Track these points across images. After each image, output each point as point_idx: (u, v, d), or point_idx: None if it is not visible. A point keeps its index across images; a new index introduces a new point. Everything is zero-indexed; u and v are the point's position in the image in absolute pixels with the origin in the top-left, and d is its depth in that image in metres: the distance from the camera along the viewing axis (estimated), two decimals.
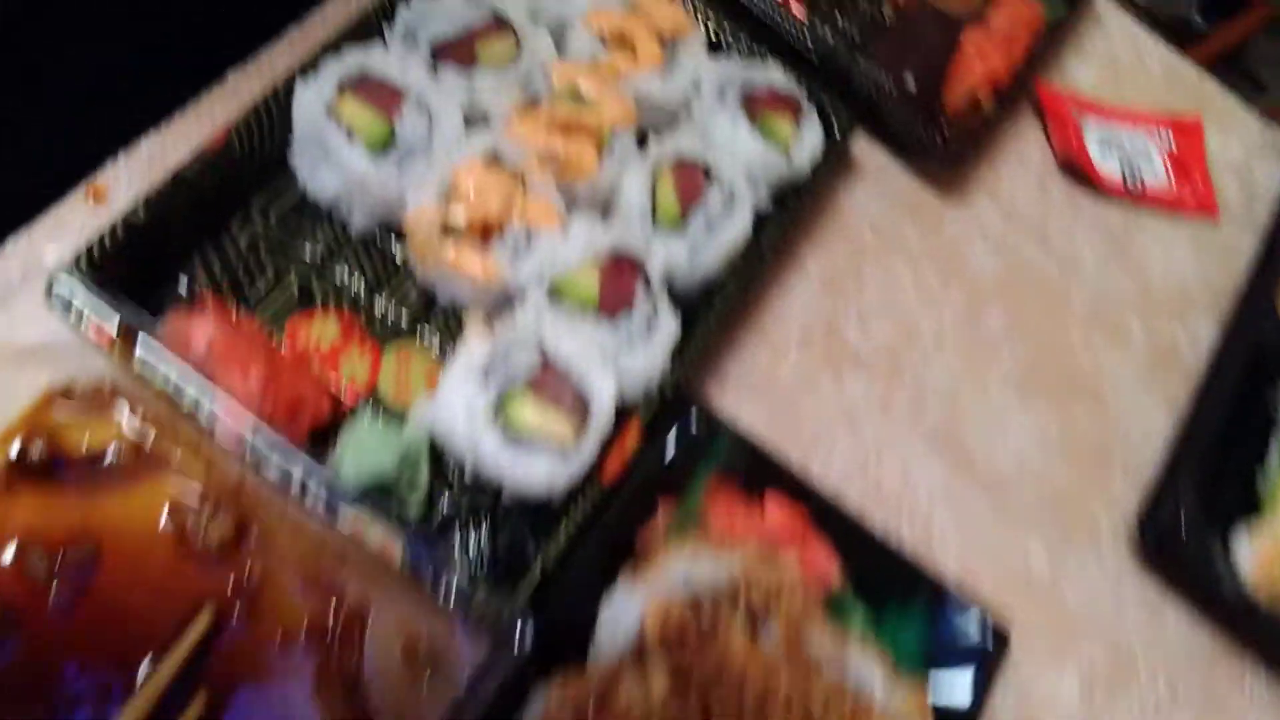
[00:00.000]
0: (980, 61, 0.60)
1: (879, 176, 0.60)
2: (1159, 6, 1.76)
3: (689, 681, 0.38)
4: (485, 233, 0.45)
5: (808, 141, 0.53)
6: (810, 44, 0.58)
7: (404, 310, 0.47)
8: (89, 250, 0.41)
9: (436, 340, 0.47)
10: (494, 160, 0.47)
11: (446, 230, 0.45)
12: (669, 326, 0.46)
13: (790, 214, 0.52)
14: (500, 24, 0.50)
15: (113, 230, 0.41)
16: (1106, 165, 0.65)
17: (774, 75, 0.54)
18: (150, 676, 0.38)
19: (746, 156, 0.51)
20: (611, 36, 0.51)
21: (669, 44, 0.53)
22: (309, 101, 0.45)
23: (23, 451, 0.40)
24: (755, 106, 0.52)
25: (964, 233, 0.60)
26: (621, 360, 0.44)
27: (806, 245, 0.56)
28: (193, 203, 0.44)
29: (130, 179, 0.46)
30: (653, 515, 0.44)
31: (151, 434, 0.41)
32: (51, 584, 0.39)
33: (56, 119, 0.49)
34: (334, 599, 0.40)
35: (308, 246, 0.47)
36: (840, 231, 0.57)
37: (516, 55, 0.49)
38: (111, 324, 0.39)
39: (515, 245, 0.45)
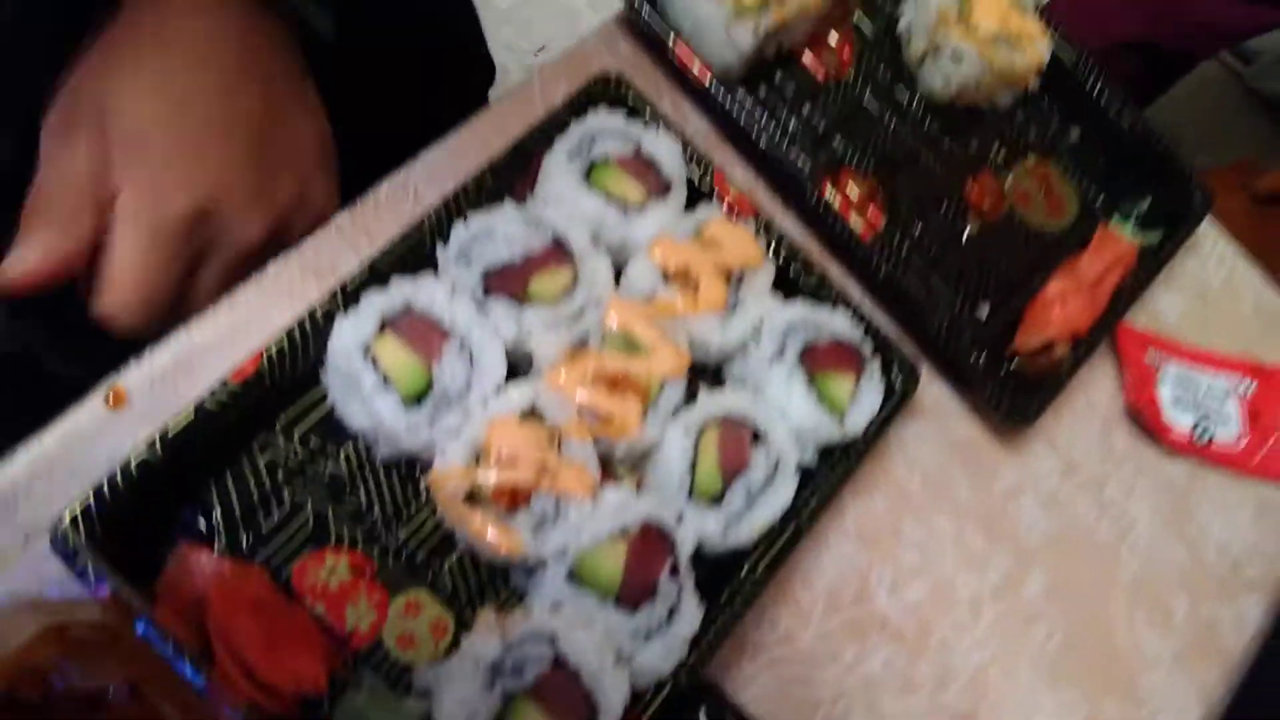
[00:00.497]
0: (1062, 309, 0.56)
1: (935, 413, 0.57)
2: (1263, 82, 1.69)
3: None
4: (513, 498, 0.43)
5: (866, 404, 0.50)
6: (881, 256, 0.55)
7: (421, 547, 0.45)
8: (98, 493, 0.39)
9: (449, 584, 0.45)
10: (531, 414, 0.44)
11: (473, 494, 0.42)
12: (691, 617, 0.44)
13: (837, 475, 0.49)
14: (559, 252, 0.47)
15: (125, 470, 0.39)
16: (1177, 416, 0.61)
17: (839, 324, 0.50)
18: None
19: (799, 419, 0.48)
20: (676, 271, 0.48)
21: (735, 279, 0.50)
22: (347, 336, 0.43)
23: (13, 690, 0.39)
24: (815, 362, 0.49)
25: (1016, 486, 0.57)
26: (637, 656, 0.42)
27: (849, 495, 0.53)
28: (214, 432, 0.42)
29: (153, 383, 0.44)
30: None
31: (146, 686, 0.40)
32: None
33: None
34: None
35: (329, 468, 0.45)
36: (886, 478, 0.55)
37: (571, 289, 0.47)
38: (108, 587, 0.38)
39: (543, 514, 0.43)
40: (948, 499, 0.56)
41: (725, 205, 0.52)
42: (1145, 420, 0.60)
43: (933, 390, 0.57)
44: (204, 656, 0.38)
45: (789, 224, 0.57)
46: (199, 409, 0.41)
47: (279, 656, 0.40)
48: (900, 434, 0.56)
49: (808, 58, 0.60)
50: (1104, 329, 0.59)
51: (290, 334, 0.43)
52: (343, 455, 0.45)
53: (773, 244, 0.52)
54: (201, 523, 0.42)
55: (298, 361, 0.43)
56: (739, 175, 0.57)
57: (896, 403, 0.51)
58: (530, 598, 0.43)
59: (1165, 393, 0.61)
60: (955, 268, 0.59)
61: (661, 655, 0.43)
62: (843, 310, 0.51)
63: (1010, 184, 0.62)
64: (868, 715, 0.50)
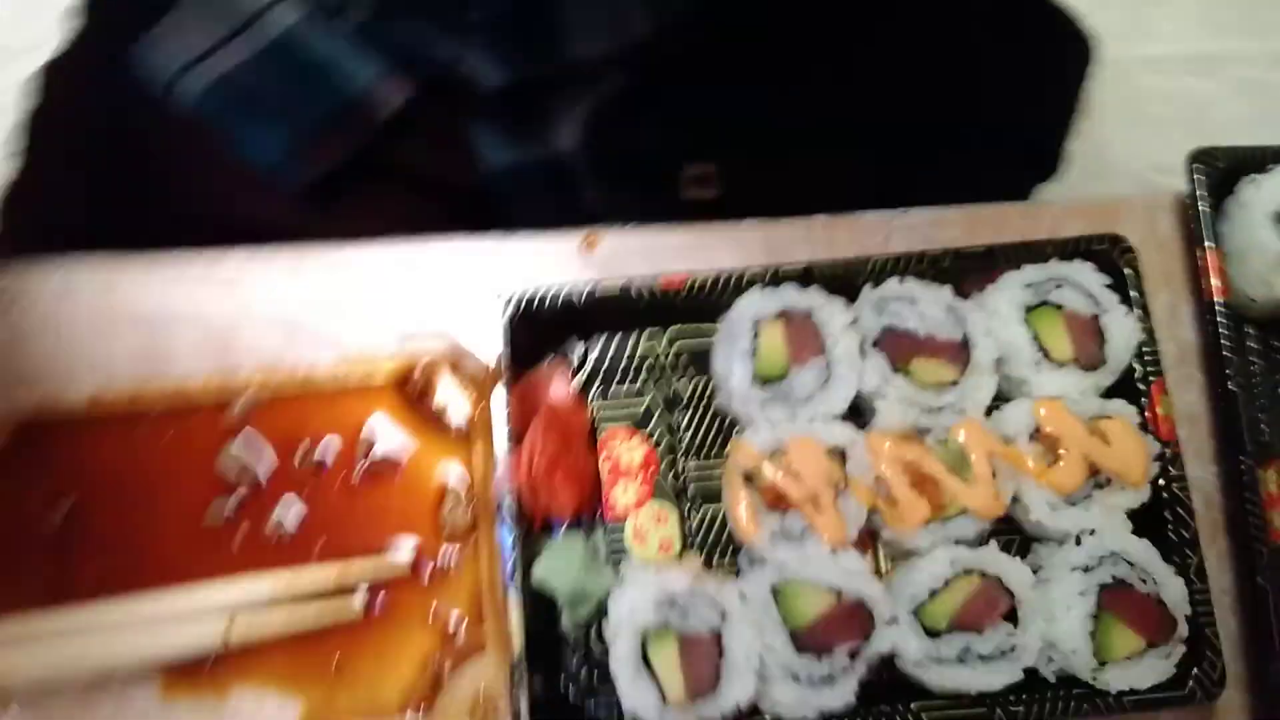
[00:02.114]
0: None
1: None
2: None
3: None
4: (775, 501, 0.48)
5: (1136, 674, 0.46)
6: None
7: (697, 482, 0.53)
8: (544, 296, 0.51)
9: (695, 523, 0.52)
10: (837, 454, 0.49)
11: (749, 477, 0.49)
12: (843, 694, 0.46)
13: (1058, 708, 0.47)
14: (960, 352, 0.50)
15: (574, 291, 0.51)
16: None
17: (1171, 590, 0.47)
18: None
19: (1060, 635, 0.47)
20: (1048, 435, 0.49)
21: (1101, 480, 0.48)
22: (753, 303, 0.50)
23: (407, 379, 0.54)
24: (1114, 602, 0.47)
25: None
26: (775, 686, 0.46)
27: None
28: (628, 307, 0.52)
29: (619, 244, 0.56)
30: None
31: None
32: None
33: None
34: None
35: (680, 384, 0.54)
36: None
37: (946, 388, 0.49)
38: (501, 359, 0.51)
39: (788, 529, 0.48)
40: None
41: (1144, 413, 0.50)
42: None
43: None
44: (515, 439, 0.50)
45: (1201, 468, 0.52)
46: (626, 289, 0.52)
47: (555, 476, 0.50)
48: None
49: None
50: None
51: (719, 277, 0.52)
52: (694, 382, 0.54)
53: (1164, 479, 0.49)
54: (577, 356, 0.54)
55: (710, 298, 0.52)
56: (1185, 400, 0.53)
57: (1172, 697, 0.47)
58: (739, 578, 0.49)
59: None
60: None
61: (794, 700, 0.46)
62: (1183, 580, 0.47)
63: None
64: None
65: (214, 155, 0.67)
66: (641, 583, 0.47)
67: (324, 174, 0.66)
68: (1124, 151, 1.81)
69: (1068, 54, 0.80)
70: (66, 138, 0.75)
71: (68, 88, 0.75)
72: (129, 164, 0.70)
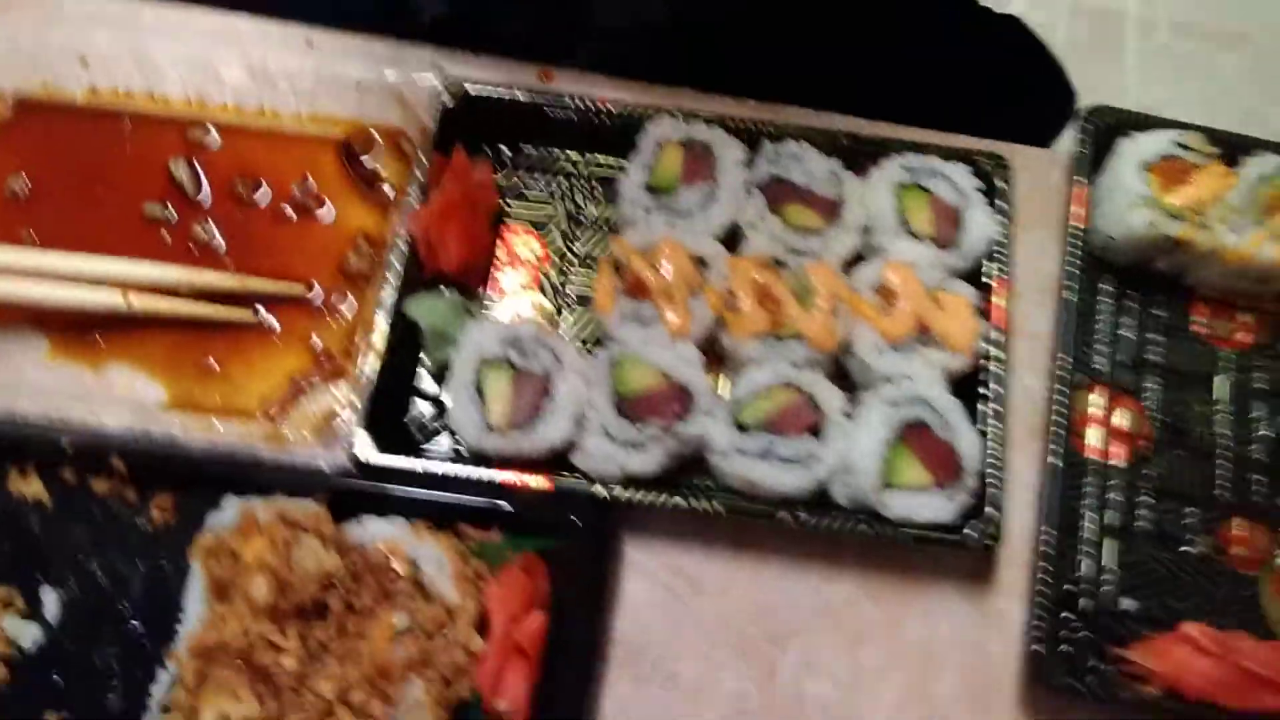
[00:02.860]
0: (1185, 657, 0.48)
1: (962, 592, 0.52)
2: None
3: None
4: (635, 291, 0.53)
5: (924, 509, 0.49)
6: (1098, 479, 0.52)
7: (578, 289, 0.57)
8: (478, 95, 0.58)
9: (565, 322, 0.57)
10: (699, 262, 0.53)
11: (618, 266, 0.54)
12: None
13: (835, 525, 0.50)
14: (832, 207, 0.55)
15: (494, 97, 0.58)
16: None
17: (967, 443, 0.50)
18: None
19: (858, 456, 0.50)
20: (890, 292, 0.53)
21: (929, 339, 0.53)
22: (655, 128, 0.56)
23: (352, 141, 0.61)
24: (915, 440, 0.50)
25: None
26: (590, 439, 0.50)
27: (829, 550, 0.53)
28: (550, 122, 0.58)
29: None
30: None
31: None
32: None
33: None
34: None
35: (584, 205, 0.59)
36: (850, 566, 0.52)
37: (812, 235, 0.54)
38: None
39: (636, 314, 0.52)
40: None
41: (984, 301, 0.54)
42: None
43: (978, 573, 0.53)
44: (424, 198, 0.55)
45: (1034, 378, 0.56)
46: (558, 100, 0.58)
47: (448, 229, 0.55)
48: (921, 594, 0.52)
49: (1200, 309, 0.58)
50: None
51: (642, 107, 0.58)
52: (600, 207, 0.59)
53: (986, 359, 0.53)
54: (505, 156, 0.60)
55: (634, 122, 0.58)
56: (1026, 314, 0.57)
57: (946, 538, 0.50)
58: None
59: None
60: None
61: (603, 455, 0.50)
62: (980, 439, 0.51)
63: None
64: None
65: None
66: (492, 322, 0.52)
67: None
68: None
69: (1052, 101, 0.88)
70: None
71: None
72: None
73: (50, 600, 0.51)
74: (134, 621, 0.50)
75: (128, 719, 0.48)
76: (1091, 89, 2.09)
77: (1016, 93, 0.87)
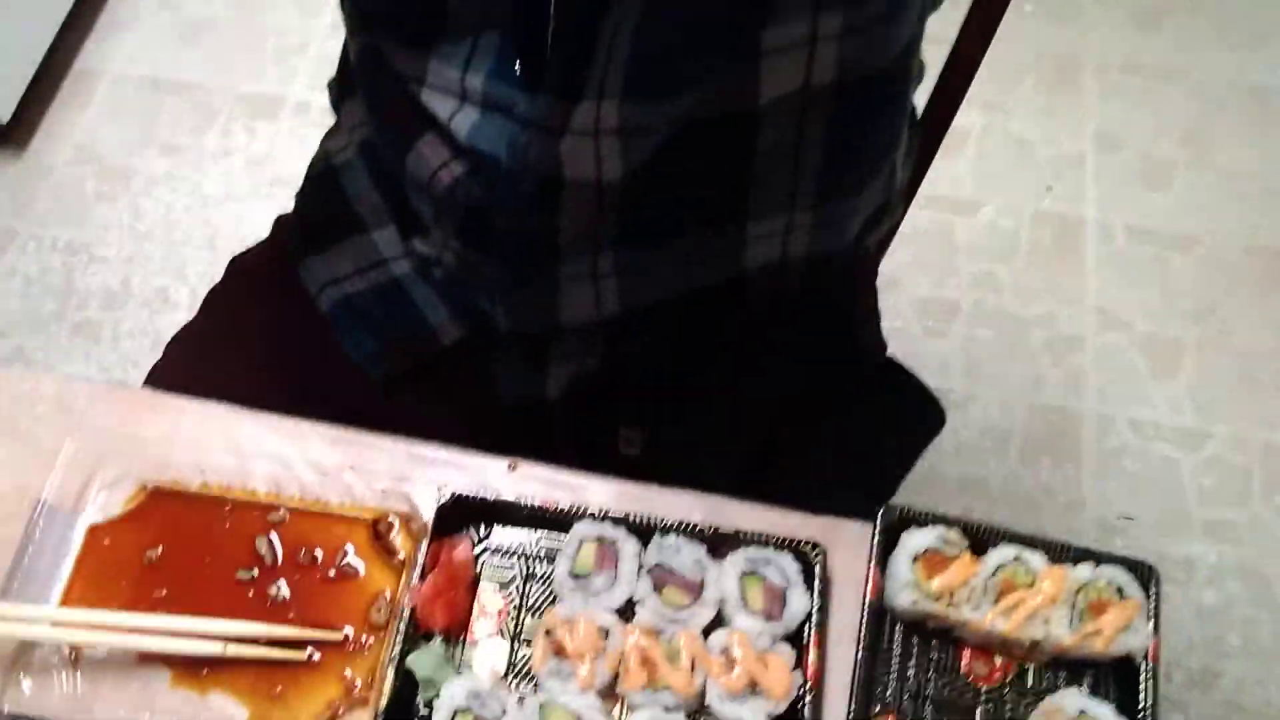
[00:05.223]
0: None
1: None
2: None
3: None
4: (559, 651, 0.78)
5: None
6: None
7: (527, 631, 0.83)
8: (460, 496, 0.85)
9: (517, 655, 0.82)
10: (603, 630, 0.79)
11: (549, 631, 0.79)
12: None
13: None
14: (697, 588, 0.80)
15: (472, 497, 0.85)
16: None
17: None
18: None
19: None
20: (730, 654, 0.78)
21: (754, 688, 0.77)
22: (578, 528, 0.83)
23: (379, 522, 0.88)
24: None
25: None
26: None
27: None
28: (511, 513, 0.85)
29: (533, 473, 0.90)
30: None
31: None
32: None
33: None
34: None
35: (535, 567, 0.85)
36: None
37: (682, 609, 0.80)
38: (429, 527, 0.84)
39: (559, 670, 0.78)
40: None
41: (801, 657, 0.78)
42: None
43: None
44: (422, 575, 0.82)
45: (840, 708, 0.79)
46: (516, 504, 0.85)
47: (436, 604, 0.81)
48: None
49: (965, 654, 0.81)
50: None
51: (573, 507, 0.85)
52: (547, 568, 0.85)
53: (800, 703, 0.77)
54: (480, 534, 0.87)
55: (567, 519, 0.85)
56: (837, 656, 0.81)
57: None
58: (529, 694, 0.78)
59: None
60: None
61: None
62: None
63: None
64: None
65: (330, 345, 1.06)
66: (463, 680, 0.78)
67: (395, 374, 1.04)
68: (1097, 497, 2.11)
69: (921, 418, 1.14)
70: (244, 307, 1.16)
71: (254, 271, 1.17)
72: (279, 339, 1.10)
73: None
74: None
75: None
76: (1056, 287, 2.42)
77: (891, 426, 1.12)
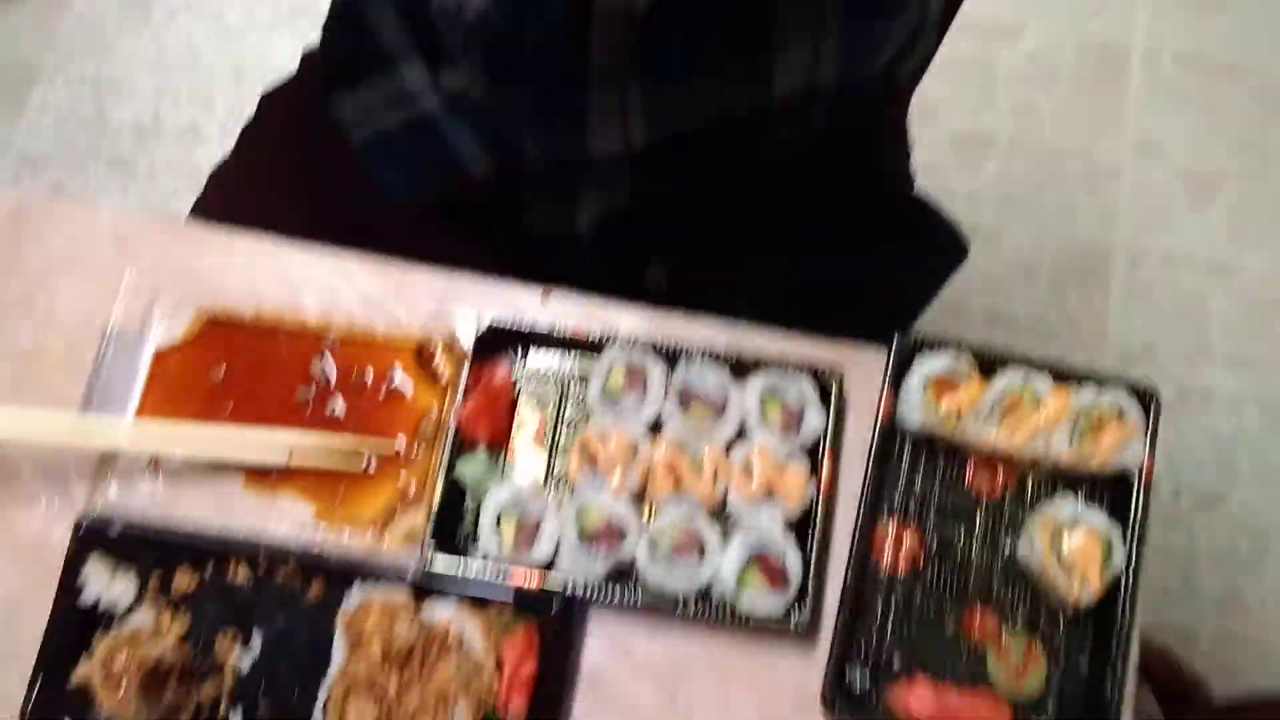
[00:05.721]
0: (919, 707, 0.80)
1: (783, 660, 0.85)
2: None
3: None
4: (593, 462, 0.86)
5: (759, 606, 0.82)
6: (887, 580, 0.84)
7: (563, 445, 0.90)
8: (498, 323, 0.90)
9: (555, 466, 0.90)
10: (632, 444, 0.86)
11: (584, 444, 0.86)
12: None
13: (696, 613, 0.83)
14: (721, 407, 0.86)
15: (510, 324, 0.90)
16: None
17: (792, 561, 0.82)
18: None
19: (725, 574, 0.82)
20: (750, 464, 0.85)
21: (770, 494, 0.84)
22: (608, 354, 0.88)
23: (424, 346, 0.94)
24: (761, 563, 0.82)
25: None
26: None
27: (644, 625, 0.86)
28: (548, 340, 0.91)
29: (568, 303, 0.94)
30: None
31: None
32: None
33: None
34: None
35: (571, 389, 0.92)
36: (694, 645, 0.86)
37: (706, 426, 0.86)
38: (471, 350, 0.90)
39: (593, 477, 0.85)
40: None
41: (816, 469, 0.85)
42: None
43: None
44: (465, 394, 0.89)
45: (849, 517, 0.87)
46: (550, 331, 0.90)
47: (479, 420, 0.89)
48: (764, 653, 0.85)
49: (970, 467, 0.87)
50: None
51: (604, 335, 0.90)
52: (580, 389, 0.91)
53: (814, 507, 0.84)
54: (518, 358, 0.92)
55: (599, 346, 0.90)
56: (847, 472, 0.87)
57: (779, 625, 0.82)
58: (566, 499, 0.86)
59: None
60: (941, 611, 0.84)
61: (572, 565, 0.83)
62: (802, 558, 0.82)
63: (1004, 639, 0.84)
64: None
65: (361, 181, 1.09)
66: (507, 484, 0.86)
67: (428, 209, 1.08)
68: (1121, 328, 2.14)
69: (945, 251, 1.16)
70: (278, 144, 1.19)
71: (285, 107, 1.20)
72: (313, 173, 1.13)
73: (255, 640, 0.87)
74: (304, 656, 0.86)
75: (303, 713, 0.85)
76: (1096, 118, 2.39)
77: (913, 255, 1.14)
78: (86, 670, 0.83)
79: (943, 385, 0.84)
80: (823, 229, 1.07)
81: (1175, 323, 2.01)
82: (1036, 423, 0.82)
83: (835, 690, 0.81)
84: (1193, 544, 1.90)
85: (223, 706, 0.86)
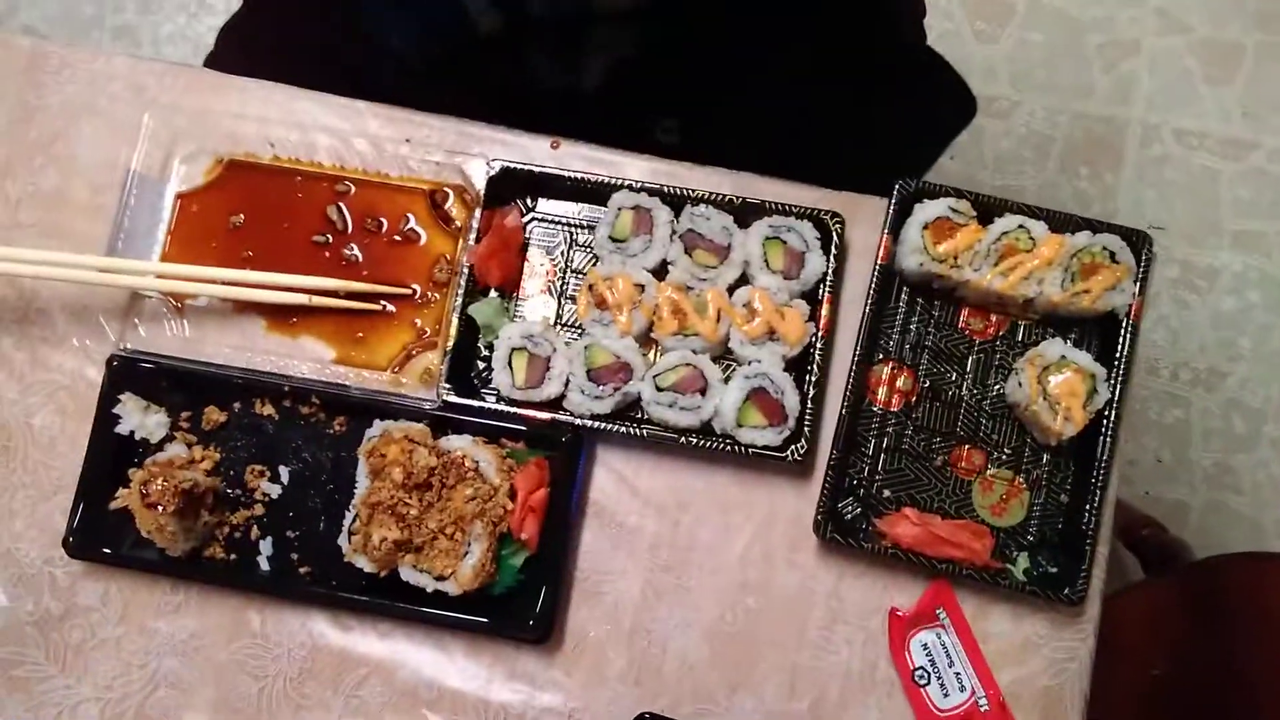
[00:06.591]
0: (906, 529, 0.85)
1: (781, 495, 0.90)
2: None
3: None
4: (601, 303, 0.89)
5: (761, 440, 0.86)
6: (885, 421, 0.88)
7: (573, 288, 0.93)
8: (508, 169, 0.92)
9: (564, 309, 0.93)
10: (639, 286, 0.89)
11: (592, 286, 0.89)
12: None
13: (701, 448, 0.88)
14: (724, 251, 0.89)
15: (521, 170, 0.92)
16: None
17: (790, 398, 0.86)
18: None
19: (724, 408, 0.87)
20: (752, 306, 0.88)
21: (772, 335, 0.87)
22: (616, 197, 0.90)
23: (436, 191, 0.96)
24: (757, 398, 0.86)
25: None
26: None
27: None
28: (558, 185, 0.93)
29: (575, 151, 0.96)
30: None
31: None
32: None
33: None
34: None
35: (579, 235, 0.94)
36: (700, 483, 0.91)
37: (710, 269, 0.89)
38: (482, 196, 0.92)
39: (601, 318, 0.89)
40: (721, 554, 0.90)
41: (815, 312, 0.88)
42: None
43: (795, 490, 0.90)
44: (478, 239, 0.91)
45: (847, 357, 0.90)
46: (561, 175, 0.92)
47: (491, 262, 0.91)
48: (763, 485, 0.90)
49: (964, 311, 0.90)
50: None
51: (613, 180, 0.92)
52: (588, 237, 0.94)
53: (811, 349, 0.88)
54: (527, 205, 0.95)
55: (606, 190, 0.92)
56: (845, 316, 0.90)
57: (776, 455, 0.87)
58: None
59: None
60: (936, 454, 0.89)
61: (579, 402, 0.88)
62: (798, 396, 0.86)
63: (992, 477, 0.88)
64: None
65: (370, 37, 1.09)
66: (518, 325, 0.89)
67: (436, 63, 1.08)
68: (1130, 205, 2.13)
69: (952, 106, 1.16)
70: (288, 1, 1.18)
71: None
72: (322, 30, 1.13)
73: (283, 471, 0.93)
74: (330, 486, 0.92)
75: (331, 537, 0.91)
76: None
77: (921, 109, 1.15)
78: (125, 494, 0.89)
79: (942, 229, 0.87)
80: (832, 74, 1.07)
81: (1186, 201, 2.00)
82: (1031, 265, 0.84)
83: (828, 518, 0.86)
84: (1189, 420, 1.95)
85: (254, 532, 0.92)
